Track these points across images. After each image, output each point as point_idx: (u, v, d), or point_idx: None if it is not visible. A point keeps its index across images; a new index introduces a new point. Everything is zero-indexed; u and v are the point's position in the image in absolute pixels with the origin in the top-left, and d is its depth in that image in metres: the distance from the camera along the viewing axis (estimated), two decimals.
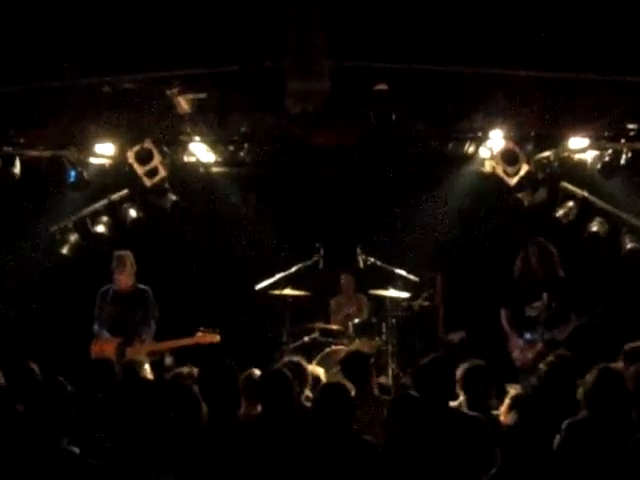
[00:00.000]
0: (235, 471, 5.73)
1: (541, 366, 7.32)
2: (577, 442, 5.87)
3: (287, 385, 6.65)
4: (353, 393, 7.38)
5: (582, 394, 6.22)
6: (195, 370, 7.54)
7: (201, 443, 5.84)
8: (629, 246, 10.61)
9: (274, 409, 6.54)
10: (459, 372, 7.05)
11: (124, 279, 10.18)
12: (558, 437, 5.97)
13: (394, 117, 9.73)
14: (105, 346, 9.82)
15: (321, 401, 6.07)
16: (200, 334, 9.94)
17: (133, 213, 10.93)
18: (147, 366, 8.10)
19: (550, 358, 7.43)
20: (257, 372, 7.30)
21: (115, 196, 11.00)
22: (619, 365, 7.75)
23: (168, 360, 10.14)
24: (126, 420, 6.10)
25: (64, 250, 10.80)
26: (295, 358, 7.84)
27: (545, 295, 9.50)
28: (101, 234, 10.93)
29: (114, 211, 11.01)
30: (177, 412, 5.96)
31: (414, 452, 4.79)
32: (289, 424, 6.31)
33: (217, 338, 9.91)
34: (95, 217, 10.98)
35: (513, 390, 7.78)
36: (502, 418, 7.12)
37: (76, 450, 5.42)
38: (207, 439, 5.89)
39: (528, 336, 9.58)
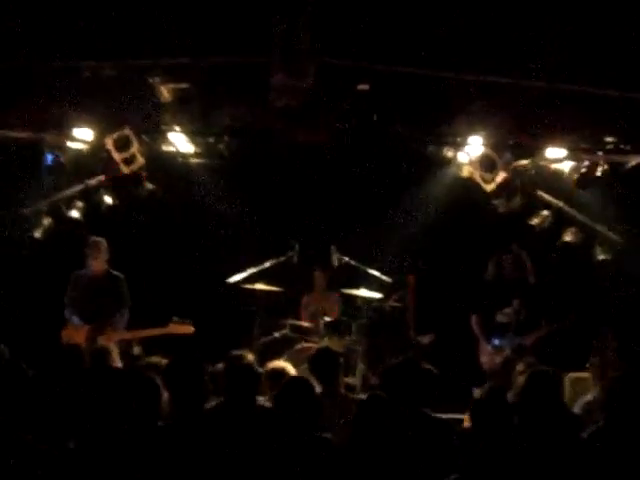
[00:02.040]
0: (195, 464, 5.72)
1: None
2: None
3: (250, 378, 6.66)
4: (319, 390, 7.41)
5: (512, 398, 6.27)
6: (164, 361, 7.53)
7: (162, 435, 5.82)
8: (600, 257, 10.71)
9: (235, 402, 6.53)
10: None
11: (97, 265, 10.16)
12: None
13: (375, 117, 9.77)
14: (76, 332, 9.79)
15: (283, 396, 6.07)
16: (173, 324, 9.92)
17: (108, 200, 10.90)
18: (116, 354, 8.09)
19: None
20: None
21: (91, 182, 10.95)
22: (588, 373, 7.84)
23: (136, 349, 10.10)
24: (89, 407, 6.09)
25: (37, 234, 10.73)
26: (239, 352, 7.85)
27: (516, 301, 9.57)
28: (75, 219, 10.87)
29: (89, 197, 10.97)
30: (136, 401, 5.93)
31: (377, 453, 4.79)
32: (250, 418, 6.29)
33: (190, 329, 9.90)
34: (70, 202, 10.93)
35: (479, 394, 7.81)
36: (466, 423, 7.17)
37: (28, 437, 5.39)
38: (169, 431, 5.88)
39: (497, 342, 9.66)
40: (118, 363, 8.05)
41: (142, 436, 5.70)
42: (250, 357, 7.86)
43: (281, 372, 7.52)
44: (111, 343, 8.86)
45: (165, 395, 6.34)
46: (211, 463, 5.70)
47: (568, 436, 6.05)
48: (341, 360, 7.74)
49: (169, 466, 5.61)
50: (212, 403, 6.70)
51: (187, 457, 5.67)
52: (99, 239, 10.24)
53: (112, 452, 5.54)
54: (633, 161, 10.22)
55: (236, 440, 6.02)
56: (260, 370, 7.59)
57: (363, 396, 6.99)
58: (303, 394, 6.05)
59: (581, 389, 8.20)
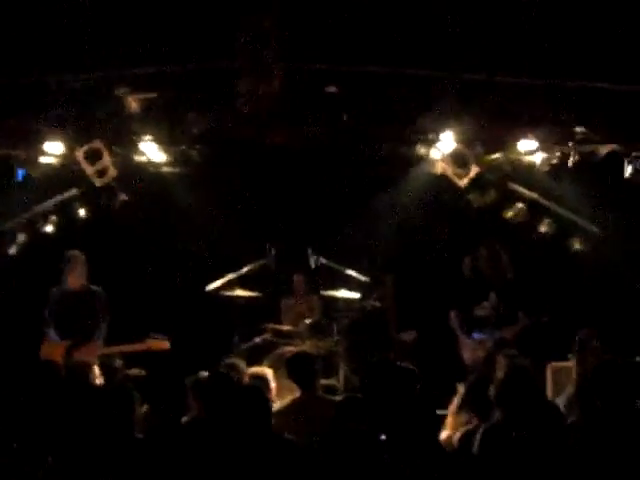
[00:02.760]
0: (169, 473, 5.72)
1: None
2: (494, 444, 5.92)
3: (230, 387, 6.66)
4: (298, 394, 7.41)
5: (493, 393, 6.29)
6: (143, 373, 7.52)
7: (141, 446, 5.81)
8: (576, 247, 10.77)
9: (214, 411, 6.53)
10: None
11: (74, 280, 10.10)
12: (476, 440, 6.01)
13: (345, 118, 9.77)
14: (54, 348, 9.71)
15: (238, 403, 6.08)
16: (150, 340, 9.89)
17: (82, 213, 10.87)
18: (96, 368, 8.05)
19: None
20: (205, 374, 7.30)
21: (64, 196, 10.91)
22: (570, 363, 7.85)
23: (118, 362, 10.06)
24: (67, 423, 6.07)
25: (12, 250, 10.69)
26: (231, 360, 7.85)
27: (493, 295, 9.59)
28: (50, 234, 10.84)
29: (63, 211, 10.93)
30: (113, 415, 5.91)
31: (354, 453, 4.80)
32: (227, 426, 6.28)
33: (167, 345, 9.86)
34: (44, 217, 10.89)
35: (462, 389, 7.82)
36: (450, 418, 7.17)
37: None
38: (146, 444, 5.87)
39: (477, 336, 9.67)
40: (99, 378, 8.01)
41: (119, 449, 5.69)
42: (242, 365, 7.87)
43: (262, 377, 7.54)
44: (91, 358, 8.82)
45: (143, 408, 6.35)
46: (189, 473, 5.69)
47: (549, 428, 6.07)
48: (318, 363, 7.74)
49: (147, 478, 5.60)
50: (191, 414, 6.70)
51: (165, 469, 5.66)
52: (75, 253, 10.17)
53: (90, 467, 5.52)
54: (604, 151, 10.24)
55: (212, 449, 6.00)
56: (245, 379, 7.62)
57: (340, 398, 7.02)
58: (256, 400, 6.05)
59: (562, 379, 8.23)
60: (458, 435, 6.66)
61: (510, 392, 6.16)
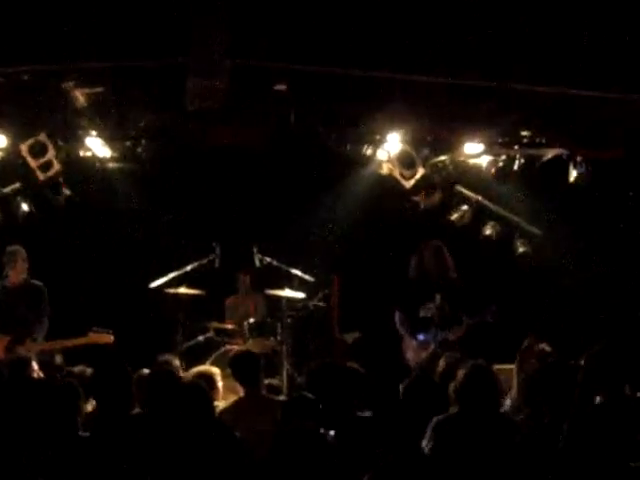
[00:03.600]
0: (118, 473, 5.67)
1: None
2: (447, 439, 5.96)
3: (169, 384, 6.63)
4: (242, 394, 7.39)
5: (453, 390, 6.35)
6: (88, 370, 7.45)
7: (84, 445, 5.76)
8: (521, 250, 10.88)
9: (154, 408, 6.49)
10: None
11: (15, 275, 10.00)
12: (427, 434, 6.06)
13: (293, 118, 9.77)
14: None
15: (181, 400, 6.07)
16: (93, 334, 9.80)
17: (25, 207, 10.73)
18: (34, 364, 7.97)
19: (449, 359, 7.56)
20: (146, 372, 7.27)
21: (7, 189, 10.77)
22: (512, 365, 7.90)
23: (58, 359, 9.98)
24: (8, 419, 6.00)
25: None
26: (165, 358, 7.81)
27: (438, 297, 9.64)
28: None
29: (5, 205, 10.78)
30: (55, 412, 5.85)
31: (300, 454, 4.78)
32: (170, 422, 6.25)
33: (110, 339, 9.78)
34: None
35: None
36: None
37: None
38: (91, 441, 5.82)
39: (421, 337, 9.70)
40: (38, 373, 7.92)
41: (63, 447, 5.63)
42: (176, 362, 7.83)
43: (208, 376, 7.49)
44: (30, 354, 8.73)
45: (88, 405, 6.29)
46: (135, 471, 5.65)
47: (500, 428, 6.13)
48: (261, 362, 7.71)
49: (91, 477, 5.55)
50: (136, 410, 6.65)
51: (111, 466, 5.61)
52: (16, 248, 10.06)
53: (33, 464, 5.46)
54: (549, 154, 10.35)
55: (161, 446, 5.97)
56: (184, 375, 7.58)
57: (286, 397, 7.02)
58: (198, 397, 6.04)
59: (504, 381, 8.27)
60: None
61: (471, 390, 6.22)
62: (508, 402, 7.26)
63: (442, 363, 7.50)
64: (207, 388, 6.39)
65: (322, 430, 5.84)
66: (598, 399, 5.82)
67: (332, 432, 6.05)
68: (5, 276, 10.05)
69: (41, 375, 8.21)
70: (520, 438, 5.94)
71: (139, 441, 5.94)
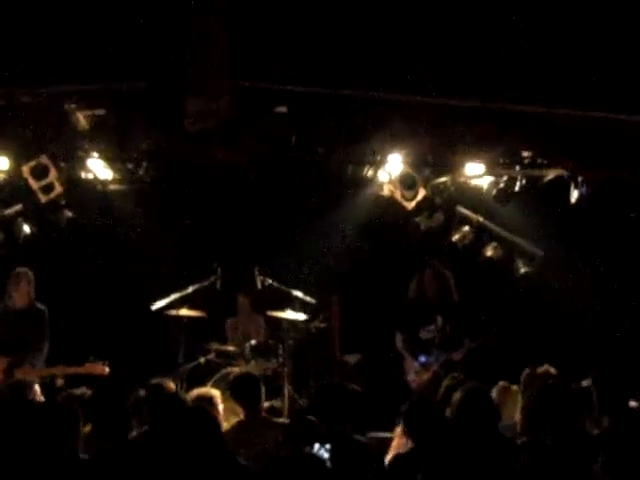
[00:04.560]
0: None
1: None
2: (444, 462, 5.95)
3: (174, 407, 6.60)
4: (242, 416, 7.37)
5: (450, 413, 6.32)
6: (89, 392, 7.43)
7: (84, 468, 5.74)
8: (522, 271, 10.84)
9: (158, 428, 6.47)
10: None
11: (19, 297, 10.00)
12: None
13: (294, 139, 9.77)
14: None
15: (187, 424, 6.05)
16: (89, 364, 9.77)
17: (27, 229, 10.74)
18: (37, 387, 7.95)
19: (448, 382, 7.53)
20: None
21: (9, 211, 10.78)
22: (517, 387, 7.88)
23: (59, 381, 9.95)
24: (8, 442, 5.97)
25: None
26: (157, 380, 7.79)
27: (439, 318, 9.63)
28: None
29: (8, 227, 10.79)
30: (56, 434, 5.83)
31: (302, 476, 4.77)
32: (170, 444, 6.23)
33: (105, 370, 9.75)
34: None
35: None
36: (396, 440, 7.16)
37: None
38: (91, 464, 5.80)
39: (423, 359, 9.69)
40: (39, 397, 7.89)
41: (63, 470, 5.61)
42: (171, 385, 7.80)
43: (209, 398, 7.48)
44: (31, 377, 8.70)
45: (86, 427, 6.27)
46: None
47: (503, 452, 6.11)
48: (262, 384, 7.70)
49: None
50: (134, 433, 6.63)
51: None
52: (22, 270, 10.09)
53: None
54: (550, 175, 10.35)
55: (160, 469, 5.95)
56: (185, 397, 7.55)
57: (287, 419, 7.00)
58: (205, 422, 6.02)
59: (507, 400, 8.24)
60: (389, 457, 6.69)
61: (467, 413, 6.20)
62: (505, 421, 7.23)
63: (442, 388, 7.47)
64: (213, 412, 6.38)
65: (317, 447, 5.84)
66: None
67: (327, 451, 6.02)
68: (8, 297, 10.04)
69: (42, 399, 8.19)
70: (522, 461, 5.90)
71: (140, 464, 5.92)
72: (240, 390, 7.50)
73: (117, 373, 9.57)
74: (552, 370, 7.64)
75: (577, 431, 5.79)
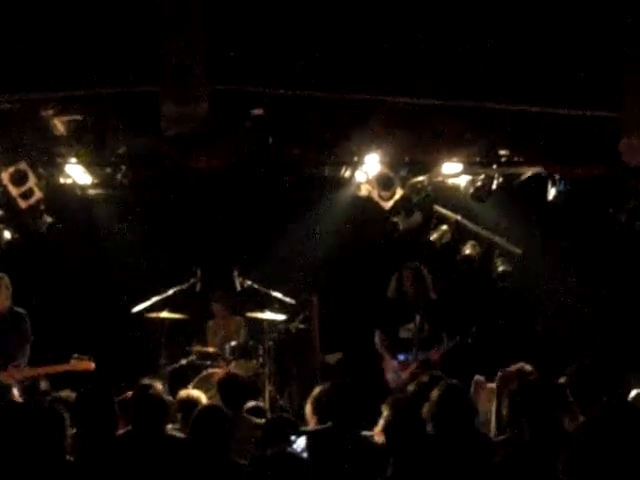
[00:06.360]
0: None
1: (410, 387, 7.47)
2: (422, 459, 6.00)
3: (158, 408, 6.65)
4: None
5: (427, 410, 6.37)
6: (74, 395, 7.47)
7: (70, 470, 5.77)
8: (500, 269, 10.89)
9: (143, 432, 6.51)
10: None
11: None
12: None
13: (271, 141, 9.80)
14: None
15: (198, 423, 6.12)
16: (74, 361, 9.81)
17: (7, 235, 10.74)
18: (15, 390, 7.97)
19: (423, 379, 7.58)
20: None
21: None
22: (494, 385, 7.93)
23: (43, 385, 9.98)
24: None
25: None
26: (147, 381, 7.83)
27: (417, 317, 9.69)
28: None
29: None
30: (41, 436, 5.87)
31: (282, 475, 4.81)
32: (159, 447, 6.29)
33: (91, 365, 9.80)
34: None
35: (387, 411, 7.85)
36: (376, 438, 7.22)
37: None
38: (77, 466, 5.83)
39: (402, 357, 9.75)
40: (18, 399, 7.91)
41: (50, 472, 5.65)
42: (159, 386, 7.86)
43: (194, 401, 7.52)
44: (12, 381, 8.72)
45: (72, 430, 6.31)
46: None
47: (481, 449, 6.17)
48: (247, 385, 7.78)
49: None
50: (120, 432, 6.67)
51: None
52: (0, 274, 10.09)
53: None
54: (527, 172, 10.41)
55: (146, 470, 6.00)
56: (169, 399, 7.60)
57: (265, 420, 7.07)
58: (217, 421, 6.09)
59: (481, 395, 8.29)
60: None
61: (445, 411, 6.26)
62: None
63: (413, 385, 7.52)
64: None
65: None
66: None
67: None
68: None
69: (21, 402, 8.20)
70: (500, 457, 5.96)
71: (126, 465, 5.96)
72: (227, 390, 7.60)
73: (101, 375, 9.58)
74: (527, 367, 7.68)
75: (555, 427, 5.83)
